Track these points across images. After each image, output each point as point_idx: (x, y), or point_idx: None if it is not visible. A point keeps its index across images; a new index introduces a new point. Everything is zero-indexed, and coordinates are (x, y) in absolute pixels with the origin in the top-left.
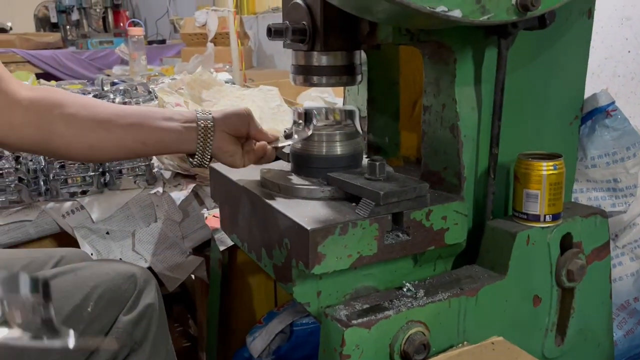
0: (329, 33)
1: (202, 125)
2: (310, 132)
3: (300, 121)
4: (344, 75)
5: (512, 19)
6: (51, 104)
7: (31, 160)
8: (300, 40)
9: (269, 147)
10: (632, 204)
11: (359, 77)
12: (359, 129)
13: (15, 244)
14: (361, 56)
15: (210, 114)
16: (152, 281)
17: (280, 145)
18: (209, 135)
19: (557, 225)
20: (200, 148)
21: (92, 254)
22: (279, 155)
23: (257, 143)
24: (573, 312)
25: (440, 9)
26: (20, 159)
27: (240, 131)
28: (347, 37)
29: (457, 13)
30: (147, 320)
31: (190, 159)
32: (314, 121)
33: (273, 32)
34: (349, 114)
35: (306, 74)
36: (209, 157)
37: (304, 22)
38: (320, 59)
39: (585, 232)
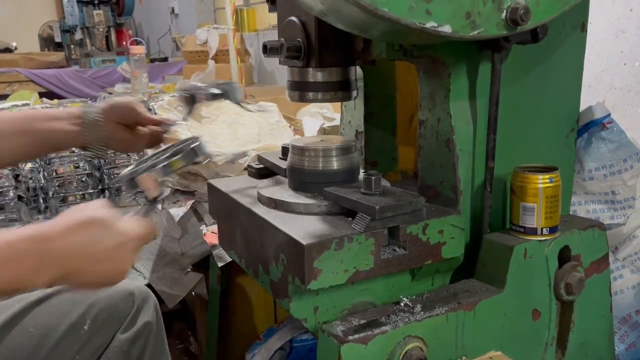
0: (324, 49)
1: (89, 118)
2: (192, 113)
3: (185, 104)
4: (339, 90)
5: (502, 33)
6: None
7: (31, 179)
8: (295, 57)
9: (161, 128)
10: (630, 216)
11: (354, 93)
12: (237, 100)
13: None
14: (356, 72)
15: (96, 107)
16: (151, 299)
17: (168, 125)
18: (98, 128)
19: (554, 238)
20: (91, 141)
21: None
22: (275, 170)
23: (150, 127)
24: (573, 325)
25: (430, 24)
26: (20, 177)
27: (128, 119)
28: (342, 53)
29: (447, 28)
30: (144, 338)
31: (85, 152)
32: (198, 101)
33: (269, 49)
34: (227, 94)
35: (302, 90)
36: (103, 147)
37: (299, 39)
38: (316, 75)
39: (583, 245)
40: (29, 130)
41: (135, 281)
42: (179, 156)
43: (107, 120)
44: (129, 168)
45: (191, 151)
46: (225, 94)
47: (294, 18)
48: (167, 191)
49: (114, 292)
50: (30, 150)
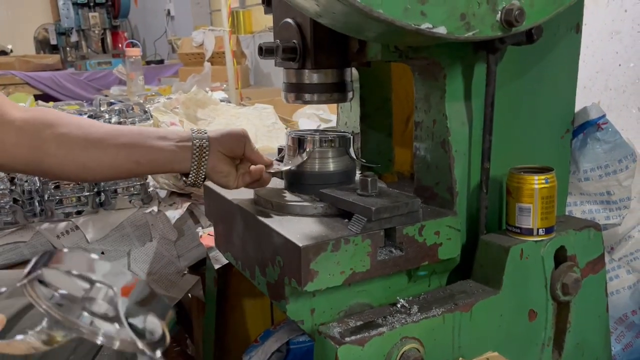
0: (319, 51)
1: (197, 144)
2: (304, 159)
3: (294, 147)
4: (334, 92)
5: (497, 34)
6: (43, 124)
7: (26, 182)
8: (290, 58)
9: (265, 171)
10: (626, 217)
11: (350, 94)
12: (352, 155)
13: (9, 265)
14: (352, 73)
15: (205, 133)
16: None
17: (274, 170)
18: (203, 155)
19: (550, 239)
20: (195, 168)
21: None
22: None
23: (253, 166)
24: (569, 326)
25: (425, 26)
26: (15, 180)
27: (236, 152)
28: (337, 55)
29: (442, 30)
30: None
31: (185, 179)
32: (307, 148)
33: (264, 51)
34: (344, 141)
35: (297, 92)
36: (203, 176)
37: (295, 41)
38: (311, 77)
39: (579, 245)
40: (136, 144)
41: None
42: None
43: (213, 149)
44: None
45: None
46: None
47: (289, 20)
48: (163, 193)
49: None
50: (130, 167)
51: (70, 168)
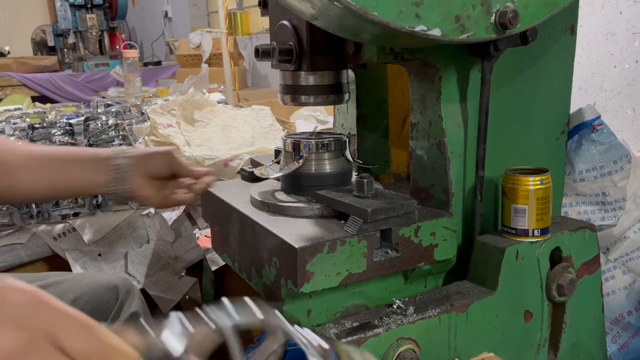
0: (315, 53)
1: (118, 170)
2: (300, 164)
3: (290, 151)
4: (331, 94)
5: (491, 37)
6: None
7: None
8: (287, 60)
9: (197, 183)
10: (621, 217)
11: (346, 96)
12: (349, 157)
13: (6, 268)
14: (348, 75)
15: (128, 154)
16: (135, 290)
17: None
18: (126, 181)
19: (545, 240)
20: (117, 193)
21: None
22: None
23: (185, 181)
24: (565, 326)
25: (420, 28)
26: None
27: (160, 172)
28: (333, 57)
29: (436, 32)
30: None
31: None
32: (303, 153)
33: (261, 53)
34: (340, 145)
35: (294, 94)
36: (127, 197)
37: (291, 43)
38: (308, 79)
39: (574, 246)
40: (52, 165)
41: (120, 273)
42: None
43: (136, 173)
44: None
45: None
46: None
47: (285, 22)
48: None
49: (98, 286)
50: (51, 191)
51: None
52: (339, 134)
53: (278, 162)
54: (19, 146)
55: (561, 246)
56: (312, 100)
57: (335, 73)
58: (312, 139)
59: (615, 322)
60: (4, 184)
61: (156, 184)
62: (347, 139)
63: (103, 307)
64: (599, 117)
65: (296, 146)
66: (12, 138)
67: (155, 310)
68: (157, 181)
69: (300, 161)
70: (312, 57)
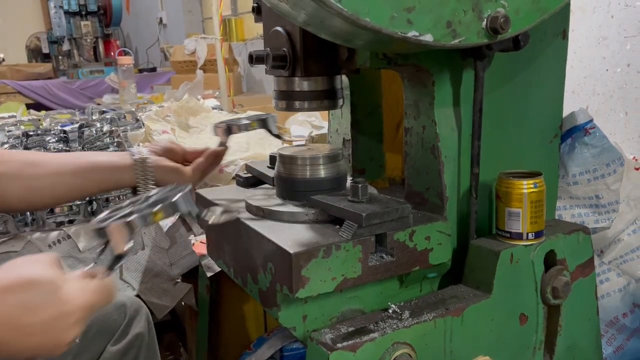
0: (309, 59)
1: (138, 156)
2: (228, 145)
3: (221, 135)
4: (325, 99)
5: (482, 42)
6: None
7: None
8: (280, 66)
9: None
10: (615, 220)
11: (340, 101)
12: (274, 131)
13: None
14: (342, 80)
15: (143, 150)
16: (143, 310)
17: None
18: (146, 164)
19: (540, 243)
20: (141, 178)
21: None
22: (263, 179)
23: (198, 159)
24: (560, 329)
25: (412, 34)
26: None
27: (175, 156)
28: (327, 62)
29: (428, 37)
30: (135, 350)
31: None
32: (233, 132)
33: (254, 59)
34: (264, 123)
35: (288, 99)
36: (152, 184)
37: (284, 49)
38: (301, 85)
39: (568, 249)
40: (79, 159)
41: (126, 292)
42: (160, 206)
43: (154, 158)
44: (103, 214)
45: (170, 205)
46: (261, 125)
47: (279, 28)
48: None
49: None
50: (78, 183)
51: (13, 192)
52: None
53: (273, 167)
54: (42, 153)
55: (555, 249)
56: (307, 106)
57: (329, 78)
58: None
59: (610, 325)
60: (25, 183)
61: (176, 165)
62: (274, 115)
63: (110, 325)
64: (591, 120)
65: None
66: (5, 146)
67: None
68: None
69: (229, 139)
70: (305, 63)
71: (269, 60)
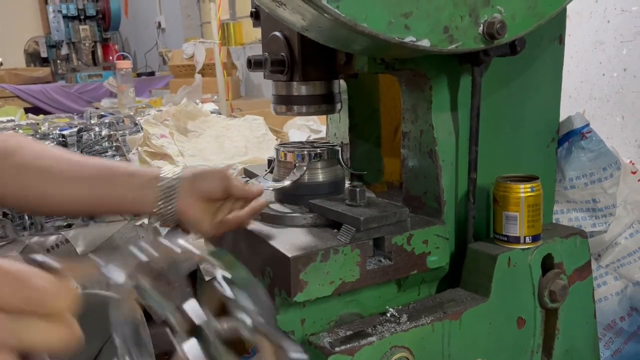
0: (307, 64)
1: (165, 185)
2: (297, 177)
3: (284, 161)
4: (323, 103)
5: (479, 47)
6: (5, 152)
7: None
8: (279, 71)
9: (252, 205)
10: (612, 224)
11: (338, 106)
12: (342, 164)
13: None
14: (340, 85)
15: (179, 172)
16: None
17: (270, 188)
18: (170, 198)
19: (537, 247)
20: (161, 211)
21: (77, 287)
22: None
23: (230, 215)
24: (558, 333)
25: (409, 39)
26: None
27: (212, 194)
28: (325, 67)
29: (425, 42)
30: None
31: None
32: (298, 163)
33: (253, 64)
34: (333, 153)
35: (286, 104)
36: (173, 219)
37: (283, 54)
38: (300, 89)
39: (565, 253)
40: (100, 179)
41: None
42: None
43: (186, 193)
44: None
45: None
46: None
47: (277, 33)
48: None
49: (102, 302)
50: (93, 204)
51: (27, 199)
52: (330, 143)
53: (271, 171)
54: (68, 153)
55: (553, 253)
56: (305, 110)
57: (327, 83)
58: (305, 149)
59: (608, 328)
60: (37, 192)
61: (208, 207)
62: (339, 148)
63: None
64: (588, 124)
65: (291, 157)
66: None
67: (149, 321)
68: (209, 204)
69: (297, 173)
70: (303, 67)
71: (268, 64)
